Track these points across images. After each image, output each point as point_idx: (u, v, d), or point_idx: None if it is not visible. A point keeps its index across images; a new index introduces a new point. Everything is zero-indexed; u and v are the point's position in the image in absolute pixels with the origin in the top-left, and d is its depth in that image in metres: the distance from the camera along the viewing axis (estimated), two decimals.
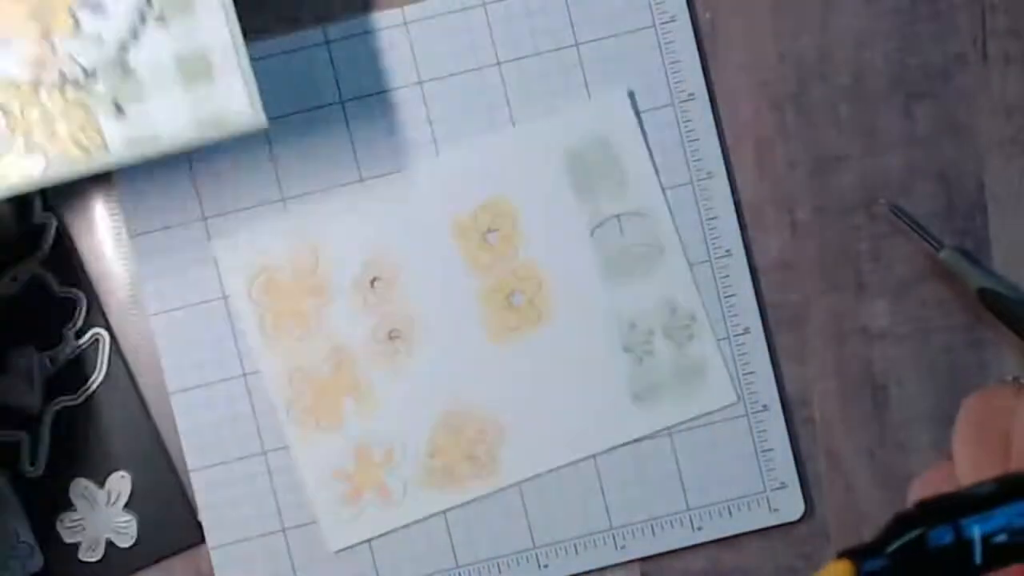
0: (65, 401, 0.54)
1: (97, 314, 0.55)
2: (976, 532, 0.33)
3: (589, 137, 0.55)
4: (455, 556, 0.56)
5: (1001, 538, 0.32)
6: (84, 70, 0.46)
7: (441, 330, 0.55)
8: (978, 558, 0.33)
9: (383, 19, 0.55)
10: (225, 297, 0.55)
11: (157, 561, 0.55)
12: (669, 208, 0.56)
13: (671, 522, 0.56)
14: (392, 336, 0.55)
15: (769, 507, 0.56)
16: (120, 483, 0.55)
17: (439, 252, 0.55)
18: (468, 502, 0.55)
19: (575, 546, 0.56)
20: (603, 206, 0.55)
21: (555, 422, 0.55)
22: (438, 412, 0.55)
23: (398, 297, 0.55)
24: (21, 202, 0.54)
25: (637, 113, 0.56)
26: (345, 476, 0.55)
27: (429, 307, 0.55)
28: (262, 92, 0.53)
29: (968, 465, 0.37)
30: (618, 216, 0.56)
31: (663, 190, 0.56)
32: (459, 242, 0.55)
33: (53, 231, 0.55)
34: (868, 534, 0.57)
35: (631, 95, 0.55)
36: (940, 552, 0.33)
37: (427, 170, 0.55)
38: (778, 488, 0.56)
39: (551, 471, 0.55)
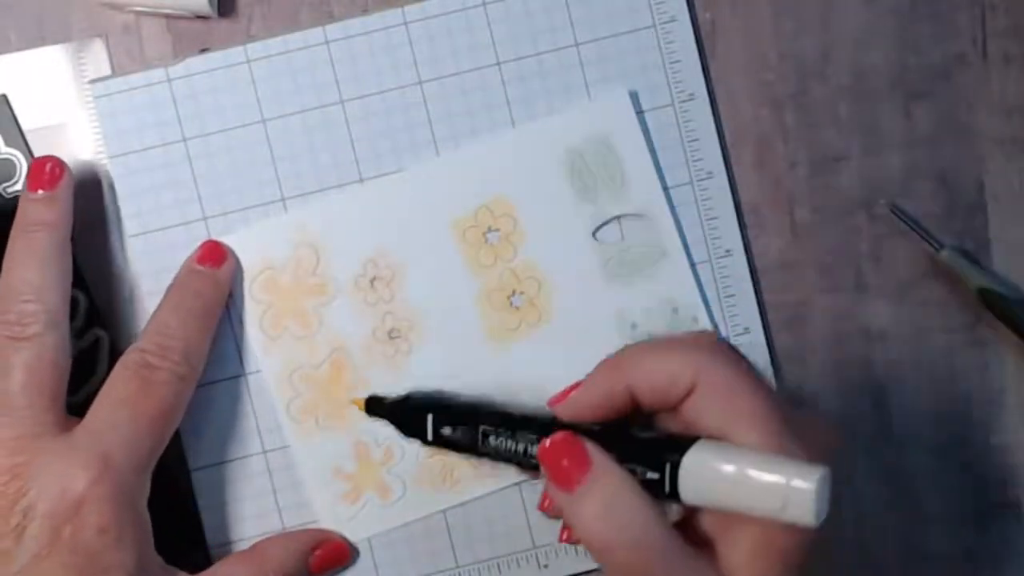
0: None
1: (97, 314, 0.55)
2: (429, 421, 0.50)
3: (590, 137, 0.55)
4: (455, 556, 0.56)
5: (447, 432, 0.49)
6: None
7: (441, 330, 0.55)
8: (430, 436, 0.50)
9: (383, 19, 0.55)
10: None
11: None
12: (671, 208, 0.56)
13: None
14: (392, 335, 0.55)
15: None
16: None
17: (439, 252, 0.55)
18: (468, 501, 0.55)
19: (575, 546, 0.56)
20: (604, 206, 0.55)
21: None
22: None
23: (398, 297, 0.55)
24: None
25: (639, 113, 0.56)
26: (345, 475, 0.55)
27: (429, 307, 0.55)
28: (263, 92, 0.53)
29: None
30: (619, 217, 0.55)
31: (665, 190, 0.56)
32: (459, 242, 0.55)
33: None
34: (868, 534, 0.57)
35: (632, 95, 0.55)
36: (413, 411, 0.51)
37: (427, 170, 0.55)
38: None
39: None
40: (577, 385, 0.46)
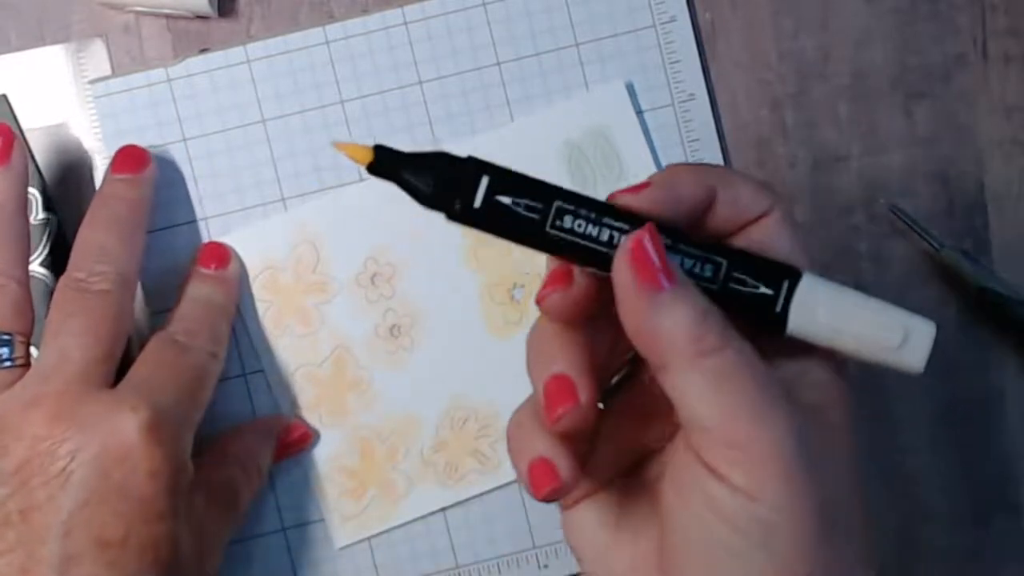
0: None
1: None
2: (484, 183, 0.39)
3: (588, 129, 0.55)
4: (455, 556, 0.56)
5: (505, 200, 0.39)
6: None
7: (443, 325, 0.55)
8: (478, 202, 0.39)
9: (383, 19, 0.55)
10: None
11: None
12: None
13: None
14: (394, 332, 0.55)
15: None
16: None
17: (439, 247, 0.55)
18: (472, 498, 0.55)
19: None
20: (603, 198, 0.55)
21: None
22: (441, 407, 0.55)
23: (399, 293, 0.55)
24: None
25: (635, 104, 0.56)
26: (349, 472, 0.55)
27: (431, 302, 0.55)
28: (263, 92, 0.53)
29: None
30: None
31: None
32: (459, 237, 0.55)
33: (53, 231, 0.55)
34: None
35: (629, 86, 0.55)
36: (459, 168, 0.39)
37: None
38: None
39: None
40: (646, 184, 0.40)
